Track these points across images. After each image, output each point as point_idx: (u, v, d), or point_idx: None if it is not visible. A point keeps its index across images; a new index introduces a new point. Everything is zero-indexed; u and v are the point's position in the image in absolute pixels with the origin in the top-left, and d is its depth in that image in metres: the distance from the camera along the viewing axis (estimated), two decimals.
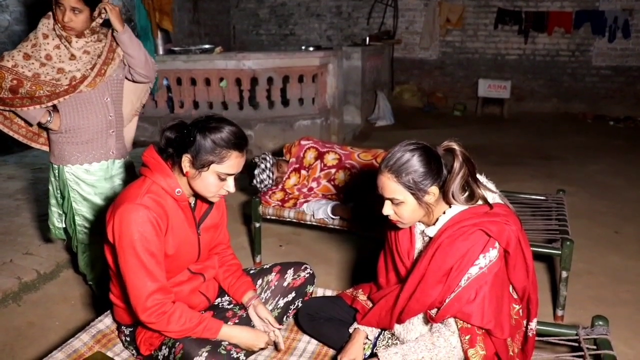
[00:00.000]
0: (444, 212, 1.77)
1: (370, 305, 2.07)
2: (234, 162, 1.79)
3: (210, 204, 2.03)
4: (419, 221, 1.84)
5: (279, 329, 2.09)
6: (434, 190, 1.71)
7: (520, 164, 6.27)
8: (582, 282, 3.36)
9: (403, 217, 1.77)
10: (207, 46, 6.67)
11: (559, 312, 2.95)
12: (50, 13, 2.54)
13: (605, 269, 3.59)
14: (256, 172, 3.44)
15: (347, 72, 7.63)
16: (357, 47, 8.14)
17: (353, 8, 10.57)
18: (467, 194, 1.75)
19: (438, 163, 1.71)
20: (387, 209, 1.77)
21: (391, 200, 1.75)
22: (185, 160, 1.79)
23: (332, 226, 3.28)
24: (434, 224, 1.79)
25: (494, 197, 1.82)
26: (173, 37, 7.91)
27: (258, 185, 3.47)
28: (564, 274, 2.86)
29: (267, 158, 3.50)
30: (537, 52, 9.69)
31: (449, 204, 1.76)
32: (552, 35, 9.46)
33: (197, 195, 1.94)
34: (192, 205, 1.99)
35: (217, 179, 1.80)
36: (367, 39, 9.15)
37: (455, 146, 1.70)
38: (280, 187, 3.46)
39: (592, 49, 9.41)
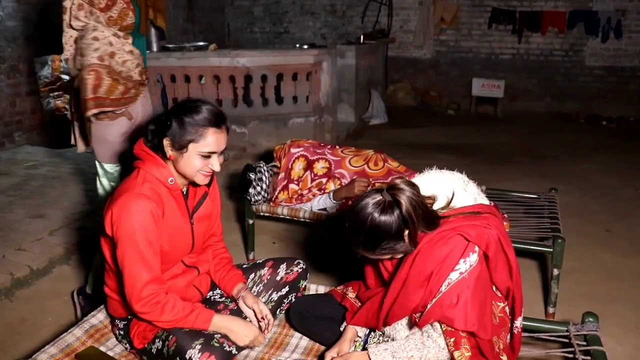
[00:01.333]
0: None
1: (359, 303, 2.08)
2: (212, 139, 1.81)
3: (206, 190, 2.05)
4: None
5: (264, 318, 2.08)
6: (406, 233, 1.70)
7: (513, 162, 6.30)
8: (573, 279, 3.39)
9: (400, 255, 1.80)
10: (201, 43, 6.65)
11: (551, 310, 2.97)
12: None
13: (596, 266, 3.61)
14: (251, 192, 3.35)
15: (341, 70, 7.63)
16: (352, 46, 8.14)
17: (347, 6, 10.57)
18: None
19: (393, 213, 1.67)
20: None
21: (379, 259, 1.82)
22: (167, 143, 1.82)
23: (324, 223, 3.28)
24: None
25: (475, 198, 1.83)
26: (167, 34, 7.89)
27: (252, 200, 3.41)
28: (556, 271, 2.88)
29: (264, 178, 3.38)
30: (531, 52, 9.72)
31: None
32: (546, 35, 9.49)
33: (191, 183, 1.95)
34: (185, 194, 2.00)
35: (199, 158, 1.83)
36: (362, 37, 9.14)
37: (400, 186, 1.68)
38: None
39: (585, 49, 9.45)
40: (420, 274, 1.72)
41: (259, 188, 3.35)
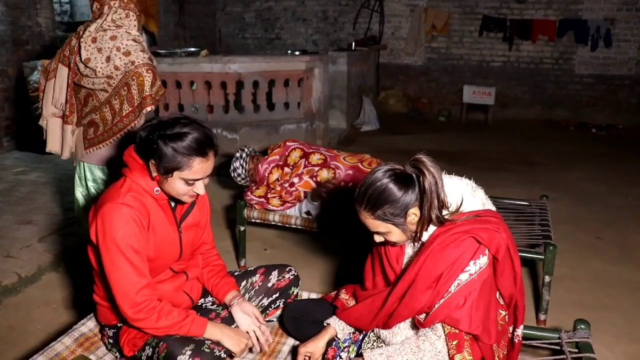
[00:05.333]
0: None
1: (351, 304, 2.08)
2: (197, 168, 1.77)
3: (192, 203, 2.04)
4: None
5: (263, 324, 2.09)
6: (414, 211, 1.70)
7: (504, 169, 6.32)
8: (564, 286, 3.39)
9: (395, 241, 1.79)
10: (192, 49, 6.64)
11: (542, 317, 2.98)
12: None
13: (587, 273, 3.62)
14: (232, 160, 3.57)
15: (333, 76, 7.64)
16: (343, 52, 8.16)
17: (339, 13, 10.60)
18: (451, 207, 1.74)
19: (408, 185, 1.68)
20: (377, 239, 1.80)
21: (376, 232, 1.77)
22: (152, 166, 1.79)
23: (315, 230, 3.27)
24: (426, 230, 1.78)
25: (484, 203, 1.83)
26: (158, 39, 7.88)
27: (232, 174, 3.56)
28: (547, 278, 2.89)
29: (245, 150, 3.62)
30: (522, 60, 9.78)
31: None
32: (536, 43, 9.55)
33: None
34: (173, 203, 1.98)
35: (184, 183, 1.80)
36: (353, 44, 9.18)
37: (423, 160, 1.67)
38: (264, 182, 3.44)
39: (575, 57, 9.52)
40: (430, 274, 1.71)
41: (237, 155, 3.60)
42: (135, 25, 2.68)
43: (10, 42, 6.33)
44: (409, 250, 1.88)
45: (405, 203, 1.68)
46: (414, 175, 1.68)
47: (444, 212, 1.72)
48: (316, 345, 2.01)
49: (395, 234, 1.75)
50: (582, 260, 3.81)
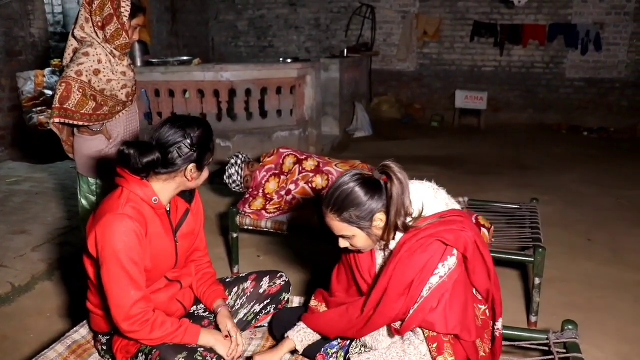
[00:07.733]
0: None
1: (322, 309, 2.09)
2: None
3: (187, 206, 2.06)
4: None
5: (238, 338, 2.03)
6: (380, 216, 1.72)
7: (496, 173, 6.35)
8: (555, 288, 3.42)
9: (360, 247, 1.81)
10: (185, 58, 6.67)
11: (533, 319, 3.00)
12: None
13: (578, 275, 3.65)
14: (227, 167, 3.57)
15: (326, 83, 7.67)
16: (335, 59, 8.19)
17: (331, 20, 10.65)
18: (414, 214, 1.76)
19: (375, 190, 1.72)
20: (342, 243, 1.82)
21: (342, 236, 1.79)
22: (191, 169, 1.87)
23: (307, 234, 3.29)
24: (394, 238, 1.79)
25: (447, 204, 1.85)
26: (151, 48, 7.89)
27: (227, 181, 3.56)
28: (537, 280, 2.91)
29: (240, 156, 3.64)
30: (513, 64, 9.85)
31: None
32: (527, 47, 9.62)
33: (181, 193, 1.99)
34: (168, 212, 2.00)
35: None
36: (346, 51, 9.22)
37: (392, 166, 1.71)
38: (260, 192, 3.46)
39: (565, 62, 9.59)
40: (401, 282, 1.72)
41: (233, 161, 3.61)
42: (101, 37, 2.77)
43: (3, 53, 6.35)
44: (380, 261, 1.89)
45: (371, 207, 1.70)
46: (381, 180, 1.72)
47: (408, 219, 1.74)
48: (271, 357, 2.00)
49: (360, 239, 1.77)
50: (573, 262, 3.84)
